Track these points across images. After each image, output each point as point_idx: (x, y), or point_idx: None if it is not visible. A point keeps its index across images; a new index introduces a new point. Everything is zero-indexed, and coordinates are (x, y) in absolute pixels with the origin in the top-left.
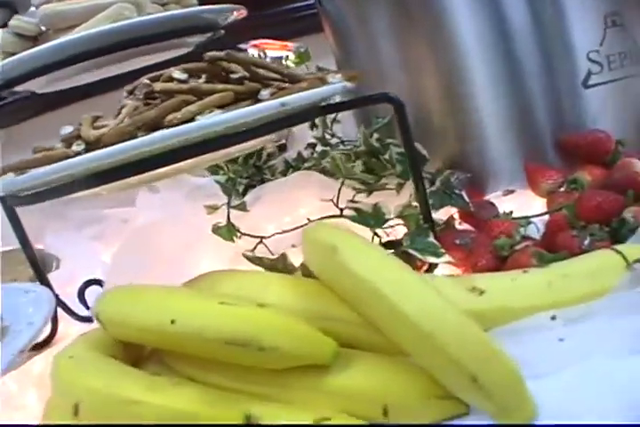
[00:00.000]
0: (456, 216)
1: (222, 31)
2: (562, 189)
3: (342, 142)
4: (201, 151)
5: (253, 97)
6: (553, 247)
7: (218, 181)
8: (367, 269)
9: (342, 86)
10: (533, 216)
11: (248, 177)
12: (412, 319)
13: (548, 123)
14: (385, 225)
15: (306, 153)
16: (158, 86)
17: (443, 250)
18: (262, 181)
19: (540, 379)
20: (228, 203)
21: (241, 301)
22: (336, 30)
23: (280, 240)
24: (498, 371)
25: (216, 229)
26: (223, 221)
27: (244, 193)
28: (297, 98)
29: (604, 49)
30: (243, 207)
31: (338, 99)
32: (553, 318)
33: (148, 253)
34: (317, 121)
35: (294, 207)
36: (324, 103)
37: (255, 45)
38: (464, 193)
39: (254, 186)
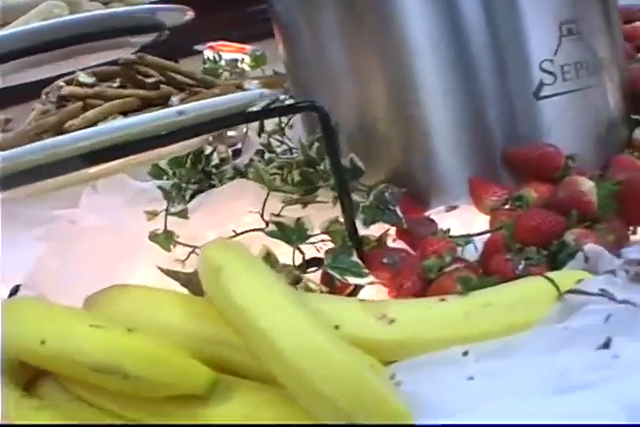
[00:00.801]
0: (393, 233)
1: (167, 32)
2: (507, 207)
3: (290, 150)
4: (97, 159)
5: (165, 102)
6: (487, 271)
7: (160, 187)
8: (247, 296)
9: (259, 94)
10: (472, 235)
11: (197, 182)
12: (286, 356)
13: (497, 135)
14: (311, 240)
15: (258, 159)
16: (65, 90)
17: (366, 270)
18: (211, 188)
19: (441, 419)
20: (167, 210)
21: (112, 324)
22: (285, 35)
23: None
24: (377, 414)
25: (153, 237)
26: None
27: (191, 199)
28: (196, 106)
29: (558, 58)
30: (184, 214)
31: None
32: (465, 353)
33: (77, 258)
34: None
35: (236, 216)
36: (250, 109)
37: (211, 47)
38: (398, 208)
39: (203, 191)
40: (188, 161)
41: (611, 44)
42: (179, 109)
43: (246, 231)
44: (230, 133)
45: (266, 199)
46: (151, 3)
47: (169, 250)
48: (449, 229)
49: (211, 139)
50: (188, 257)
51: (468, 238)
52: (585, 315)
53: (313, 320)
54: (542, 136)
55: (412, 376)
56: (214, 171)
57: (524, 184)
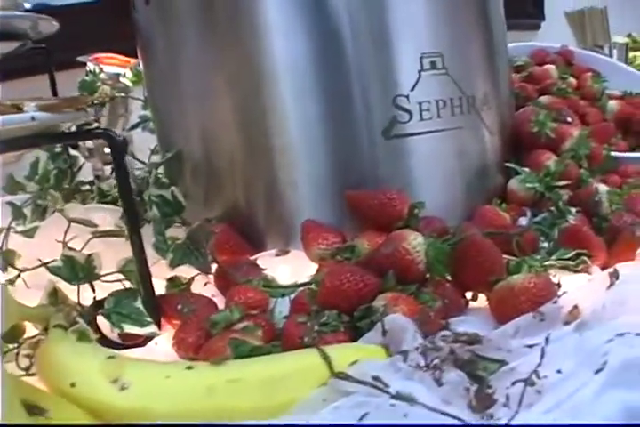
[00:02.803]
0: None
1: (30, 41)
2: (338, 257)
3: None
4: None
5: None
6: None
7: (9, 202)
8: None
9: (29, 117)
10: (288, 287)
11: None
12: None
13: (342, 175)
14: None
15: None
16: None
17: (149, 319)
18: None
19: None
20: (8, 228)
21: None
22: (144, 51)
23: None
24: None
25: None
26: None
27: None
28: None
29: (415, 94)
30: (30, 234)
31: None
32: None
33: None
34: None
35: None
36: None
37: (96, 59)
38: (211, 249)
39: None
40: (52, 177)
41: (490, 83)
42: None
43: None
44: (108, 150)
45: (67, 228)
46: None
47: (4, 270)
48: (263, 279)
49: (87, 154)
50: (14, 280)
51: (284, 290)
52: (335, 412)
53: None
54: (393, 180)
55: None
56: (82, 188)
57: (362, 233)
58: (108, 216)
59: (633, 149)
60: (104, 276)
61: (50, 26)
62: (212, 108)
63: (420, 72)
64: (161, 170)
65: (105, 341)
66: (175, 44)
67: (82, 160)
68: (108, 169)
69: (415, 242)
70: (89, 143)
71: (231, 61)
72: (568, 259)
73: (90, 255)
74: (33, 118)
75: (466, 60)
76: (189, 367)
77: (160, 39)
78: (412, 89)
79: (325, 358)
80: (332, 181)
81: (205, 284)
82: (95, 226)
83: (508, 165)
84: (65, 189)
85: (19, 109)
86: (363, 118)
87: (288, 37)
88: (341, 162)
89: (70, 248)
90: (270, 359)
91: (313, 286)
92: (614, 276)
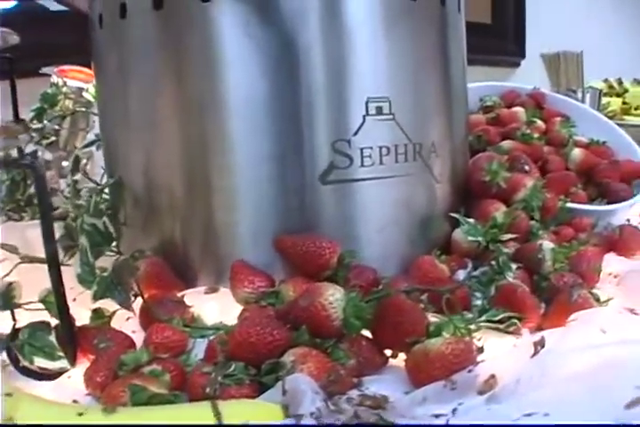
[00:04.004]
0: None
1: None
2: (262, 302)
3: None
4: None
5: None
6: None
7: None
8: None
9: None
10: (209, 329)
11: (10, 210)
12: None
13: (278, 217)
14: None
15: None
16: None
17: (60, 353)
18: (20, 220)
19: None
20: None
21: None
22: (97, 70)
23: None
24: None
25: None
26: None
27: None
28: None
29: (357, 140)
30: None
31: None
32: None
33: None
34: None
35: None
36: None
37: (61, 71)
38: (138, 283)
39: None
40: (4, 189)
41: (442, 130)
42: None
43: None
44: (66, 164)
45: None
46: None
47: None
48: (191, 317)
49: (44, 166)
50: None
51: (205, 331)
52: None
53: None
54: (330, 226)
55: None
56: (34, 201)
57: (290, 278)
58: None
59: (593, 200)
60: (25, 304)
61: (11, 39)
62: (156, 141)
63: (364, 117)
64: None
65: (23, 369)
66: (125, 72)
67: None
68: (63, 182)
69: (332, 298)
70: (47, 155)
71: (179, 95)
72: (499, 320)
73: (10, 284)
74: None
75: (416, 107)
76: (80, 414)
77: (111, 63)
78: (355, 134)
79: (217, 414)
80: (270, 224)
81: (128, 318)
82: (18, 253)
83: (452, 215)
84: (17, 200)
85: None
86: (305, 162)
87: (240, 75)
88: (280, 205)
89: None
90: (163, 410)
91: (225, 332)
92: (540, 344)
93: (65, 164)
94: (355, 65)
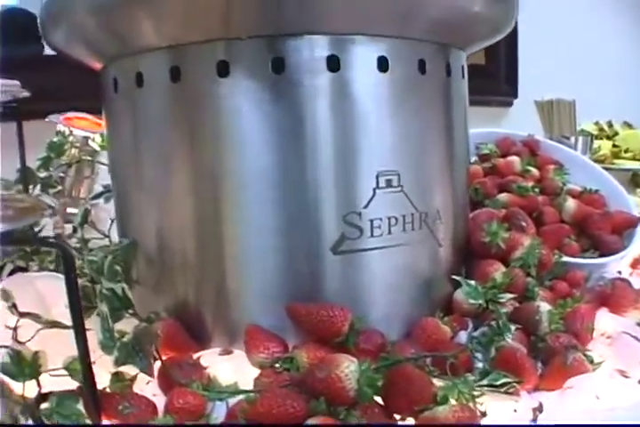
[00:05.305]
0: None
1: None
2: (277, 367)
3: None
4: None
5: None
6: None
7: None
8: None
9: None
10: (224, 392)
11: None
12: None
13: (288, 285)
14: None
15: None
16: None
17: (88, 421)
18: (26, 269)
19: None
20: None
21: None
22: (111, 135)
23: None
24: None
25: None
26: None
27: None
28: None
29: (368, 212)
30: None
31: None
32: None
33: None
34: None
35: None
36: None
37: (67, 119)
38: (156, 350)
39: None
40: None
41: (445, 197)
42: None
43: None
44: (71, 210)
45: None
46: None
47: None
48: (207, 378)
49: (50, 212)
50: None
51: (223, 395)
52: None
53: None
54: (339, 293)
55: None
56: (41, 249)
57: (302, 344)
58: (60, 286)
59: (585, 251)
60: (50, 371)
61: (20, 93)
62: (169, 208)
63: (374, 190)
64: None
65: None
66: (139, 138)
67: (46, 219)
68: (69, 227)
69: (347, 370)
70: (53, 202)
71: (192, 164)
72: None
73: (37, 352)
74: None
75: (423, 177)
76: None
77: (125, 128)
78: (366, 206)
79: None
80: (280, 291)
81: (148, 382)
82: (40, 322)
83: (454, 277)
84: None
85: None
86: (315, 233)
87: (250, 148)
88: (290, 273)
89: (19, 342)
90: None
91: (247, 402)
92: (538, 410)
93: (70, 210)
94: (364, 141)
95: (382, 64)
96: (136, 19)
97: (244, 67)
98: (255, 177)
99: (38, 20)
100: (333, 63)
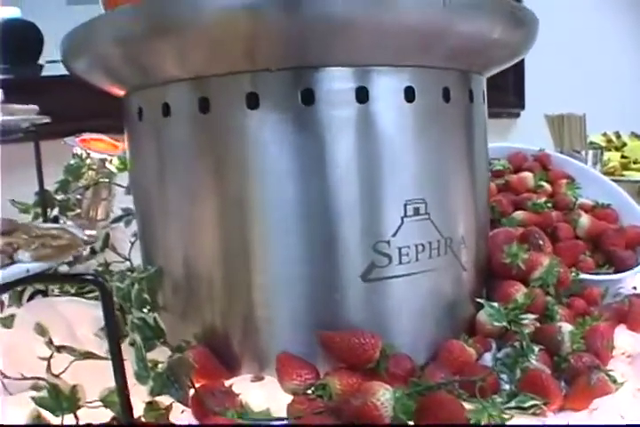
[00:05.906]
0: None
1: None
2: (310, 394)
3: None
4: None
5: None
6: None
7: None
8: None
9: (24, 270)
10: (258, 419)
11: None
12: None
13: (316, 313)
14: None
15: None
16: None
17: None
18: (46, 293)
19: None
20: None
21: None
22: (134, 163)
23: None
24: None
25: None
26: None
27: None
28: None
29: (396, 240)
30: (7, 323)
31: None
32: None
33: None
34: None
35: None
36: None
37: (83, 140)
38: (192, 379)
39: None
40: None
41: (469, 223)
42: None
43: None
44: (89, 232)
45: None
46: None
47: None
48: (240, 405)
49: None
50: None
51: (258, 422)
52: None
53: None
54: (367, 319)
55: None
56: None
57: (334, 371)
58: (82, 310)
59: (600, 266)
60: (88, 403)
61: (38, 119)
62: (196, 238)
63: (402, 218)
64: None
65: None
66: (164, 167)
67: None
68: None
69: (383, 398)
70: (71, 224)
71: (218, 194)
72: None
73: (75, 386)
74: (28, 270)
75: (447, 203)
76: None
77: (150, 157)
78: (394, 235)
79: None
80: (308, 319)
81: (182, 411)
82: (74, 351)
83: (477, 300)
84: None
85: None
86: (343, 261)
87: (276, 179)
88: (318, 301)
89: (54, 375)
90: None
91: None
92: None
93: (87, 232)
94: (391, 170)
95: (409, 94)
96: (161, 51)
97: (274, 99)
98: (282, 207)
99: (60, 48)
100: (362, 95)
